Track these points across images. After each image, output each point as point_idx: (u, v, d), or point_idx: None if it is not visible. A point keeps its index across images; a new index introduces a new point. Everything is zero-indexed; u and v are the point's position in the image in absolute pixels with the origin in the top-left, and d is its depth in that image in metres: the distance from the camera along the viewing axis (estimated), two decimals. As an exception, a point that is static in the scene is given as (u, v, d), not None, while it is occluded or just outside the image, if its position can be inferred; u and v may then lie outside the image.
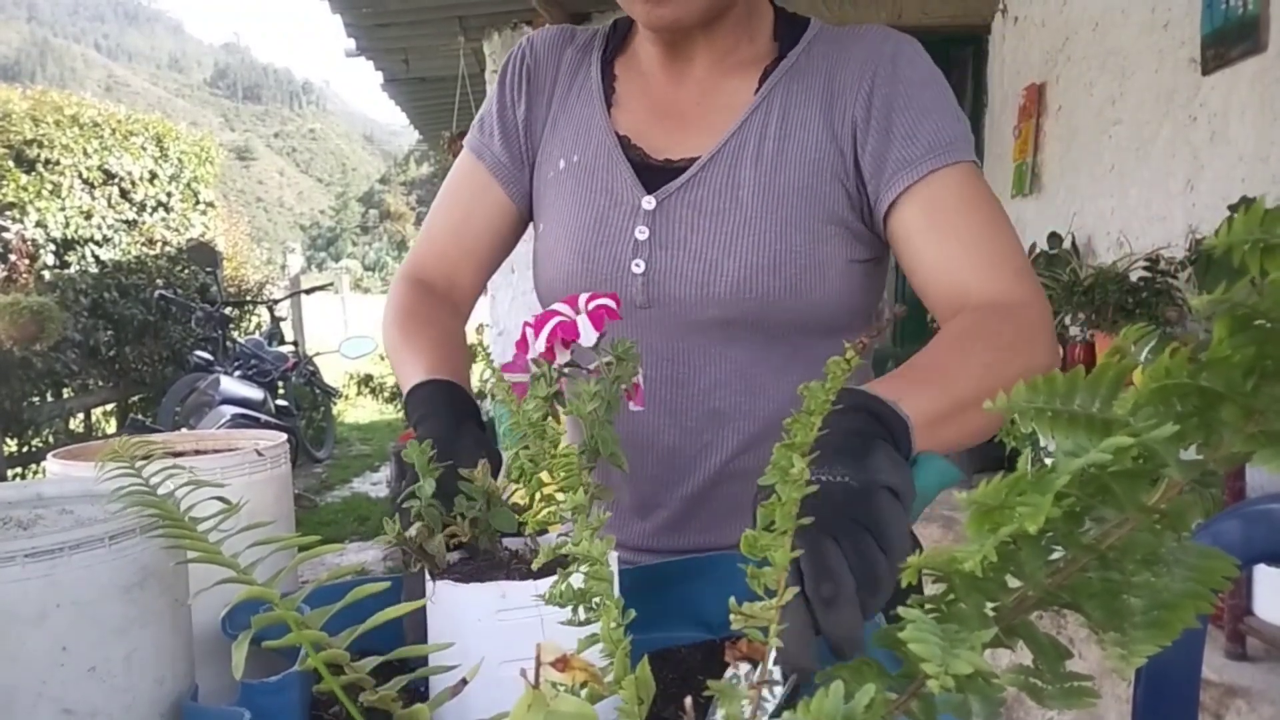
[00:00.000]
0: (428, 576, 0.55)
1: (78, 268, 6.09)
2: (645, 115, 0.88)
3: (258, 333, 6.77)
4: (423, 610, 0.55)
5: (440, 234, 0.94)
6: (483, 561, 0.58)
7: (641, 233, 0.83)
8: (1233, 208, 2.40)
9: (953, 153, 0.78)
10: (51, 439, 5.45)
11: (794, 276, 0.80)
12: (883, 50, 0.82)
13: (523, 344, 0.62)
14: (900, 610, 0.28)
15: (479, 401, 0.84)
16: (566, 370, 0.61)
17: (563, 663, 0.38)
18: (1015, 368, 0.69)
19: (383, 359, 6.49)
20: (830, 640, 0.48)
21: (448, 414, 0.71)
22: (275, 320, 6.49)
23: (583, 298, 0.63)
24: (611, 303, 0.63)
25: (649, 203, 0.83)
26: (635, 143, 0.86)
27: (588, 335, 0.60)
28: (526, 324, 0.63)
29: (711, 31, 0.84)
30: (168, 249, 6.81)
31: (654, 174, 0.84)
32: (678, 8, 0.78)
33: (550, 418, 0.57)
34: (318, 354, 6.69)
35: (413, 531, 0.56)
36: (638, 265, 0.83)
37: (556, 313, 0.62)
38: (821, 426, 0.53)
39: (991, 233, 0.78)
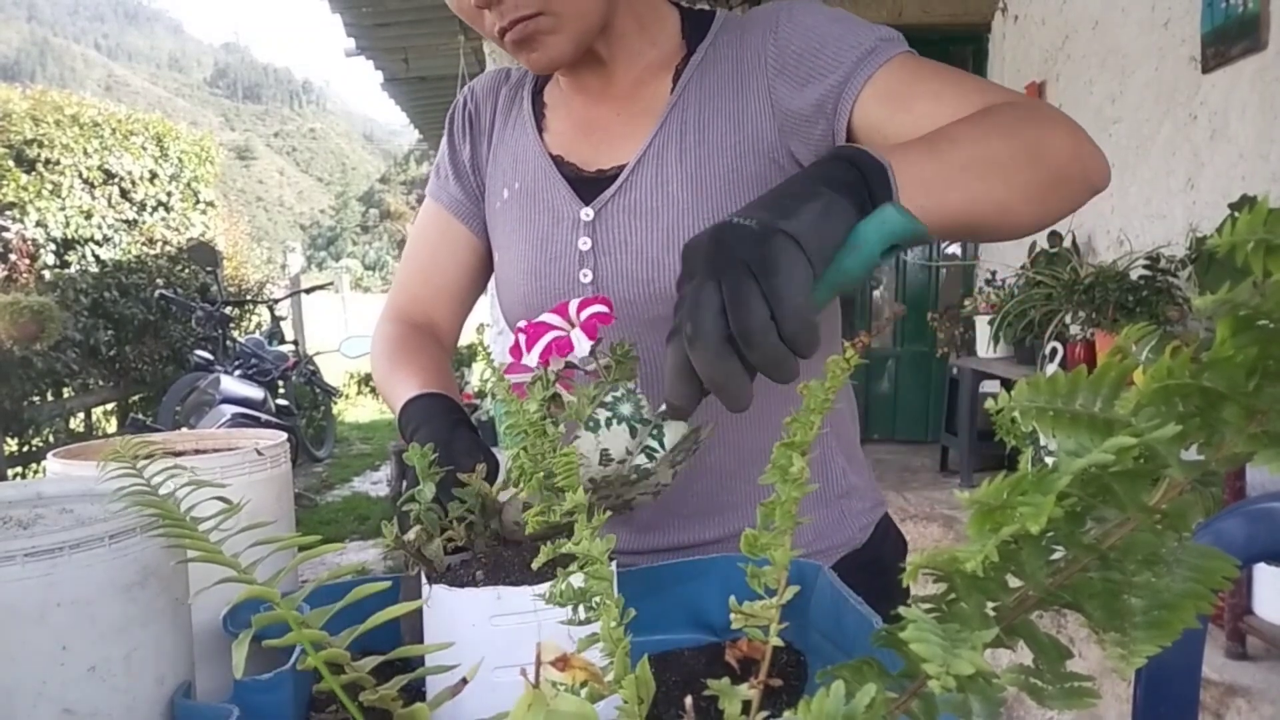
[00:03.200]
0: (424, 580, 0.55)
1: (78, 267, 6.09)
2: (573, 133, 0.91)
3: (258, 332, 6.77)
4: (419, 612, 0.55)
5: (410, 279, 0.98)
6: (482, 564, 0.58)
7: (584, 243, 0.85)
8: (1233, 206, 2.40)
9: (880, 54, 0.76)
10: (52, 438, 5.45)
11: None
12: (775, 16, 0.82)
13: (516, 350, 0.62)
14: (901, 610, 0.28)
15: (480, 400, 0.84)
16: (564, 372, 0.61)
17: (563, 662, 0.38)
18: (1028, 132, 0.65)
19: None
20: (702, 379, 0.49)
21: (443, 420, 0.73)
22: (275, 319, 6.49)
23: (573, 306, 0.63)
24: (604, 308, 0.63)
25: (587, 214, 0.85)
26: (568, 160, 0.89)
27: (581, 347, 0.60)
28: (519, 330, 0.63)
29: (603, 52, 0.86)
30: (168, 248, 6.81)
31: (589, 186, 0.87)
32: (545, 54, 0.80)
33: (549, 419, 0.57)
34: (318, 353, 6.70)
35: (411, 535, 0.56)
36: (585, 275, 0.85)
37: (549, 325, 0.62)
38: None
39: (956, 79, 0.74)
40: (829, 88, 0.78)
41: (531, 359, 0.60)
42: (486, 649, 0.51)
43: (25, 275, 5.40)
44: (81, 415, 5.91)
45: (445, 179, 0.97)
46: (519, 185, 0.91)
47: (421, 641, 0.54)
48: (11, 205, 5.74)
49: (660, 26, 0.88)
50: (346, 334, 6.77)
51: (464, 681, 0.46)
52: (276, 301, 6.81)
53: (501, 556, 0.58)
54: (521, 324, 0.64)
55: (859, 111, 0.77)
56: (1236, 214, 0.25)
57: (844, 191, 0.52)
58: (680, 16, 0.90)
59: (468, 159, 0.96)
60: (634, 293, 0.83)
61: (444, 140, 0.99)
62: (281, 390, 5.79)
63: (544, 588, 0.51)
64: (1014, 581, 0.29)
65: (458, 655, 0.50)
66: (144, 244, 6.66)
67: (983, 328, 3.57)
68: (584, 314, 0.63)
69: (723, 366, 0.48)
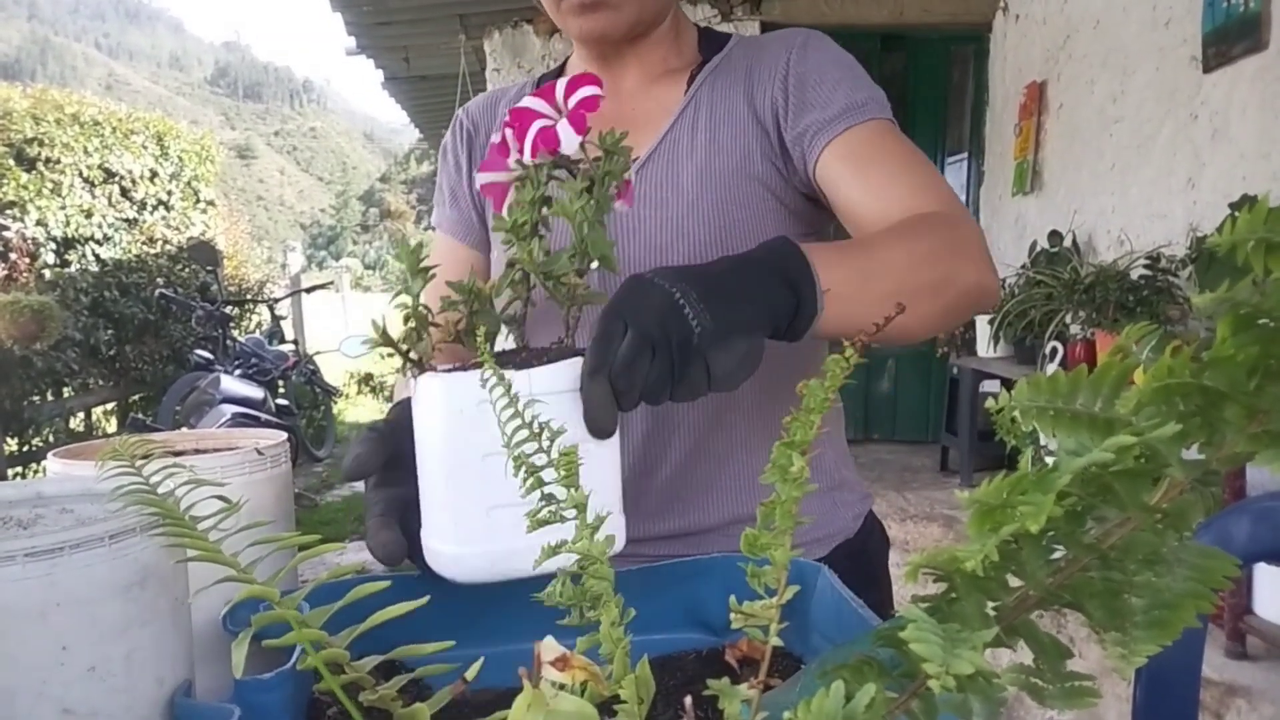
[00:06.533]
0: (409, 375, 0.53)
1: (78, 266, 6.10)
2: None
3: (258, 331, 6.77)
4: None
5: (430, 303, 0.99)
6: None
7: None
8: (1234, 205, 2.40)
9: (866, 111, 0.83)
10: (52, 438, 5.46)
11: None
12: (794, 40, 0.89)
13: (502, 147, 0.58)
14: (901, 610, 0.28)
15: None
16: (555, 173, 0.58)
17: (563, 662, 0.38)
18: (944, 265, 0.71)
19: (383, 358, 6.47)
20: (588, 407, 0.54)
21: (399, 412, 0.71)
22: (275, 319, 6.49)
23: (560, 88, 0.59)
24: (594, 89, 0.58)
25: None
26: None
27: (569, 142, 0.56)
28: (506, 124, 0.59)
29: (640, 47, 0.92)
30: (168, 248, 6.82)
31: None
32: (604, 20, 0.85)
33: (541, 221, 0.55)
34: (318, 353, 6.70)
35: (398, 334, 0.54)
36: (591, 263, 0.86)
37: (535, 111, 0.58)
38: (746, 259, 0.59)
39: (914, 166, 0.81)
40: (814, 124, 0.84)
41: (523, 154, 0.57)
42: (479, 434, 0.50)
43: (25, 274, 5.40)
44: (81, 415, 5.91)
45: (444, 206, 1.00)
46: None
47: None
48: (12, 204, 5.74)
49: (686, 38, 0.96)
50: (347, 333, 6.76)
51: (464, 680, 0.46)
52: (276, 301, 6.81)
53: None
54: (507, 117, 0.61)
55: (826, 157, 0.83)
56: (1237, 214, 0.25)
57: (779, 299, 0.59)
58: (698, 34, 0.97)
59: (465, 175, 0.99)
60: None
61: (440, 168, 1.02)
62: (281, 390, 5.79)
63: (540, 372, 0.52)
64: (1014, 581, 0.29)
65: (453, 440, 0.49)
66: (144, 243, 6.66)
67: (983, 327, 3.57)
68: (572, 98, 0.58)
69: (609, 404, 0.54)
